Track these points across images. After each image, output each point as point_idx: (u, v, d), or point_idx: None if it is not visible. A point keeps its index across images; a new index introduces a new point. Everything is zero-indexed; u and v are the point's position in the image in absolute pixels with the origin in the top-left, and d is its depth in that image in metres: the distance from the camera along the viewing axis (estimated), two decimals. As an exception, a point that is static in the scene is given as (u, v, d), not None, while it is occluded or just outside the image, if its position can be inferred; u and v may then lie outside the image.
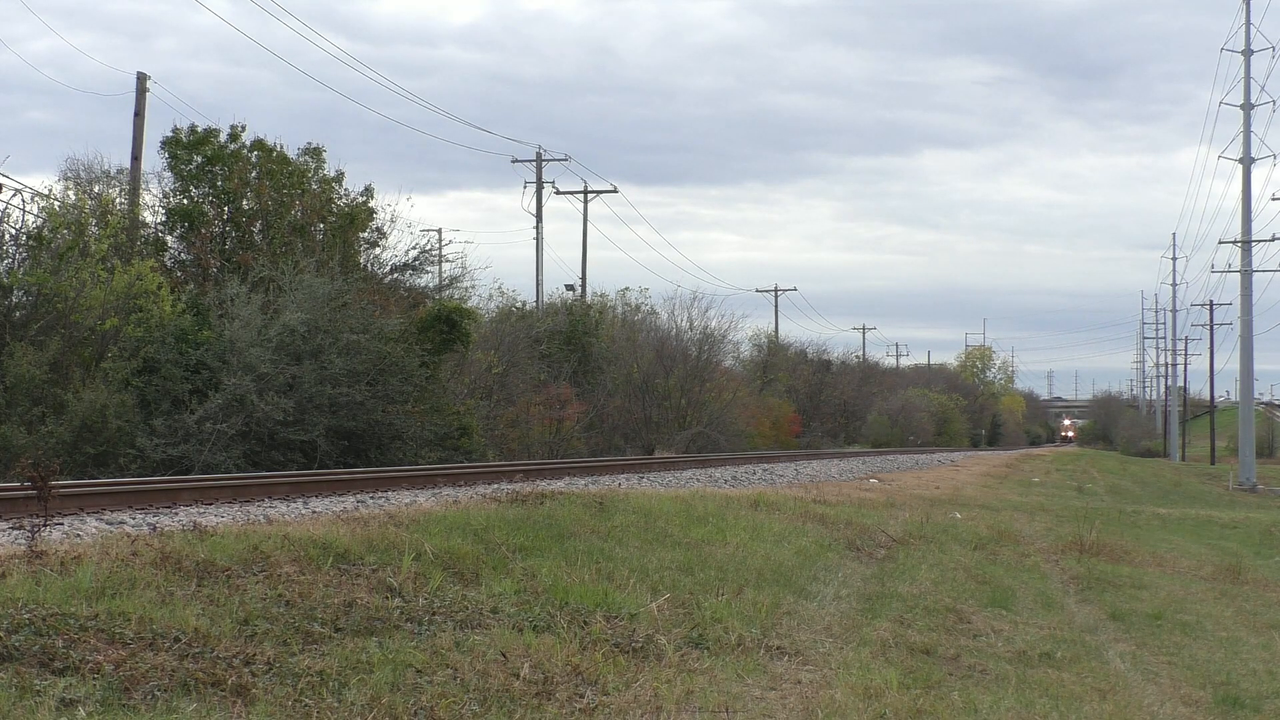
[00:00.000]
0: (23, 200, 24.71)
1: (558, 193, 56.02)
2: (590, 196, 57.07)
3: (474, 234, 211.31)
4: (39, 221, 24.81)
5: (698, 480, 25.48)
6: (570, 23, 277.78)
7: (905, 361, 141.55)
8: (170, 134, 31.98)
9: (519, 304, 49.10)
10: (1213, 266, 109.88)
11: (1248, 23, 55.83)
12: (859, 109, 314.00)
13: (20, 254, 24.30)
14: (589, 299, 55.26)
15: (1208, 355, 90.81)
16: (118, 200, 30.78)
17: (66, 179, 32.63)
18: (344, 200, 34.11)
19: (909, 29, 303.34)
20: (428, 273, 38.38)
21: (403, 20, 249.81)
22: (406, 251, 36.88)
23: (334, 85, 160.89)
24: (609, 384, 47.25)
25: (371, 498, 16.45)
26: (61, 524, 11.55)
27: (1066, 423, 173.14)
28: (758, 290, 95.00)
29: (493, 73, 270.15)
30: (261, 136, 32.72)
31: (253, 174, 32.30)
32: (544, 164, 54.44)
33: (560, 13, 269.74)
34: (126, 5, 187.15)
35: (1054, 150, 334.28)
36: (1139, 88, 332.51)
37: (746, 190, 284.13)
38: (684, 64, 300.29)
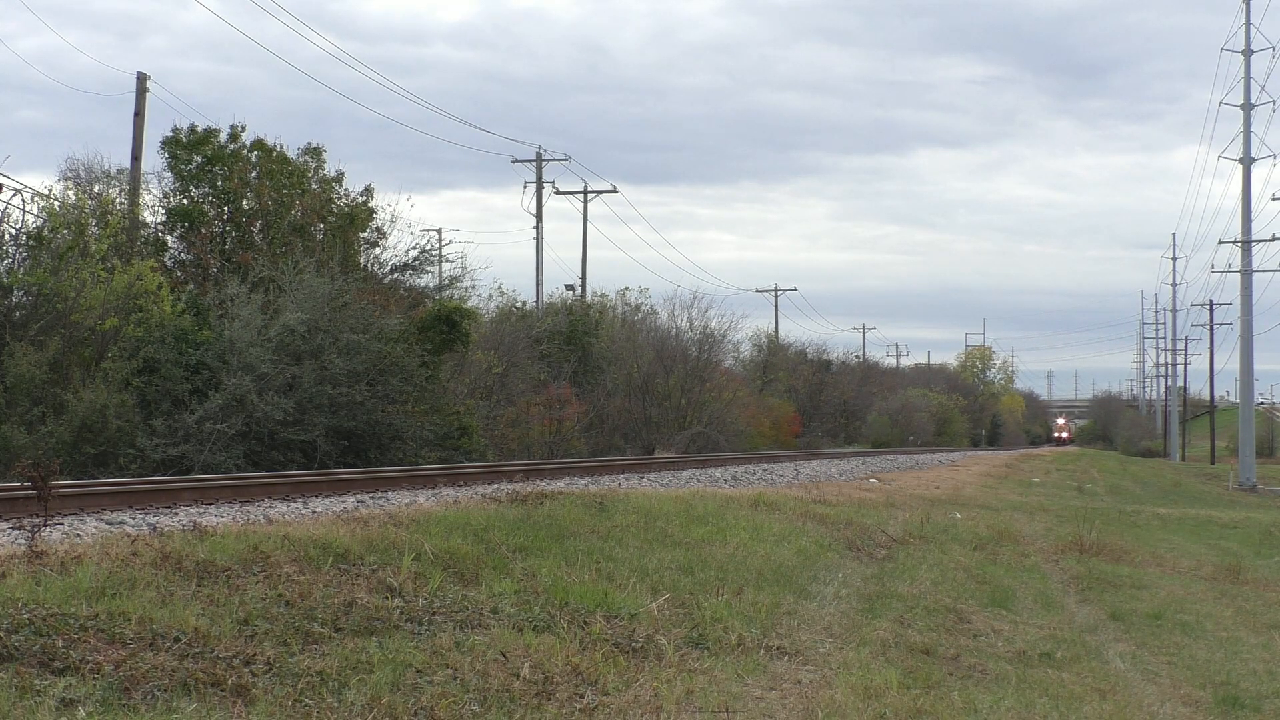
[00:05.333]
0: (23, 200, 24.75)
1: (558, 193, 56.06)
2: (590, 196, 57.11)
3: (470, 234, 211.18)
4: (39, 221, 24.82)
5: (698, 480, 25.47)
6: (561, 21, 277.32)
7: (905, 361, 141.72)
8: (170, 134, 32.07)
9: (519, 304, 49.16)
10: (1213, 266, 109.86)
11: (1248, 23, 55.90)
12: (853, 108, 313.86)
13: (20, 254, 24.31)
14: (589, 299, 55.31)
15: (1208, 355, 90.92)
16: (118, 200, 30.79)
17: (66, 179, 32.66)
18: (344, 200, 34.15)
19: (902, 27, 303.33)
20: (428, 273, 38.42)
21: (393, 18, 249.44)
22: (406, 251, 36.96)
23: (327, 84, 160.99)
24: (609, 384, 47.24)
25: (371, 498, 16.45)
26: (61, 524, 11.54)
27: (1060, 421, 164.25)
28: (757, 290, 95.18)
29: (484, 71, 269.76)
30: (261, 136, 32.82)
31: (253, 174, 32.34)
32: (544, 164, 54.50)
33: (550, 11, 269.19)
34: (116, 3, 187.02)
35: (1049, 149, 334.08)
36: (1133, 86, 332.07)
37: (742, 189, 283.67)
38: (676, 62, 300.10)
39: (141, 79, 31.00)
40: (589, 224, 65.57)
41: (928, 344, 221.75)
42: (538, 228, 53.96)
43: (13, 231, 24.29)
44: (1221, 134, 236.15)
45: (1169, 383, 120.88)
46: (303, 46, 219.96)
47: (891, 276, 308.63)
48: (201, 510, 13.92)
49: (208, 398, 24.24)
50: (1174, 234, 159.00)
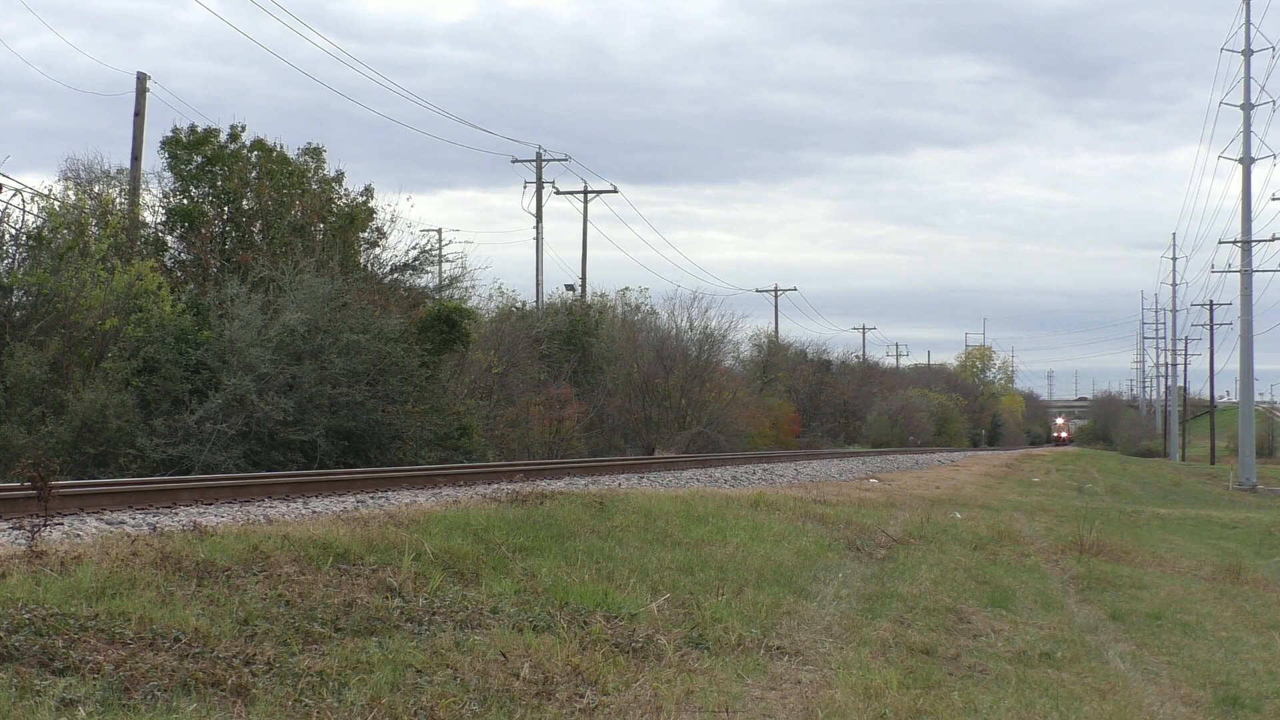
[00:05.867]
0: (23, 200, 24.75)
1: (558, 193, 56.07)
2: (590, 196, 57.11)
3: (470, 234, 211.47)
4: (39, 221, 24.82)
5: (698, 480, 25.47)
6: (560, 20, 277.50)
7: (905, 361, 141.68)
8: (170, 134, 32.08)
9: (519, 304, 49.16)
10: (1213, 266, 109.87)
11: (1248, 23, 55.89)
12: (852, 108, 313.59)
13: (20, 254, 24.30)
14: (589, 299, 55.31)
15: (1208, 355, 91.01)
16: (118, 200, 30.79)
17: (66, 179, 32.67)
18: (344, 200, 34.16)
19: (901, 27, 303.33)
20: (428, 273, 38.42)
21: (392, 18, 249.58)
22: (406, 251, 36.95)
23: (326, 83, 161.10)
24: (609, 384, 47.24)
25: (371, 498, 16.45)
26: (61, 524, 11.54)
27: (1060, 421, 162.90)
28: (757, 290, 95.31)
29: (484, 71, 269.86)
30: (261, 136, 32.83)
31: (253, 174, 32.34)
32: (543, 164, 54.50)
33: (549, 11, 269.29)
34: (116, 3, 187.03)
35: (1048, 149, 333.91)
36: (1132, 86, 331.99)
37: (742, 189, 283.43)
38: (675, 62, 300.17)
39: (141, 79, 31.00)
40: (589, 224, 65.60)
41: (928, 344, 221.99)
42: (538, 228, 54.02)
43: (13, 231, 24.29)
44: (1221, 134, 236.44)
45: (1169, 383, 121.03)
46: (302, 46, 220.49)
47: (891, 276, 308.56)
48: (201, 510, 13.92)
49: (208, 398, 24.24)
50: (1174, 234, 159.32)
